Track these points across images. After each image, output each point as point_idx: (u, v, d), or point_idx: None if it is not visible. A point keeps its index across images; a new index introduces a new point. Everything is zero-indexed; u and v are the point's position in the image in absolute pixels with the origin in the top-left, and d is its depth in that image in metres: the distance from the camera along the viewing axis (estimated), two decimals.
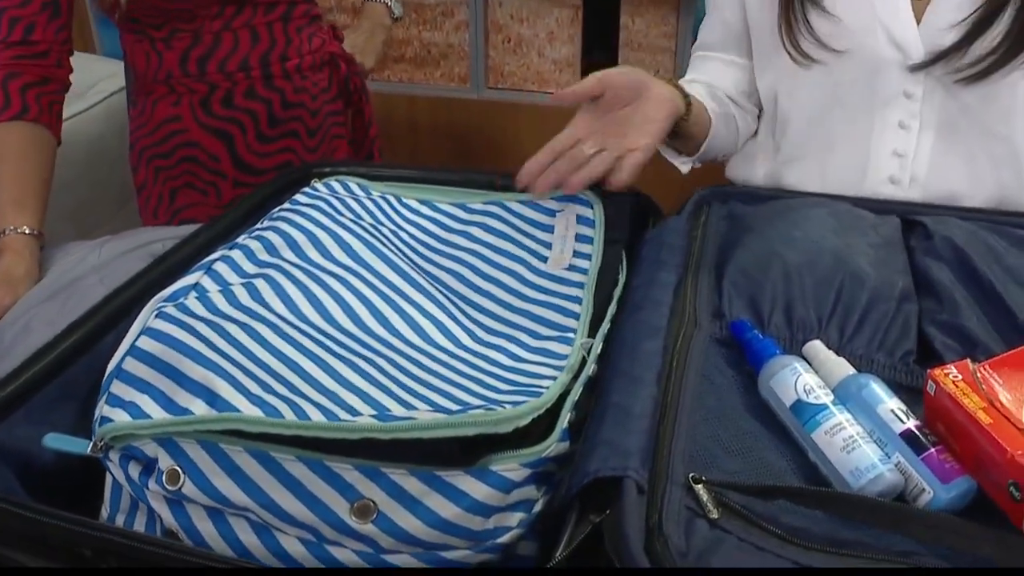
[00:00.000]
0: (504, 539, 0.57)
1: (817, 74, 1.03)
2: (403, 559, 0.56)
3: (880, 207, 0.87)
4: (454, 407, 0.62)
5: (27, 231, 1.05)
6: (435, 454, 0.55)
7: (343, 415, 0.60)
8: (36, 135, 1.11)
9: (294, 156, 1.32)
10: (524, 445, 0.57)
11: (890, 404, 0.61)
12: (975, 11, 0.94)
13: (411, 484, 0.55)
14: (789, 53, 1.02)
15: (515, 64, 2.25)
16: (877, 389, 0.62)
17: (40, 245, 1.06)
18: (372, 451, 0.55)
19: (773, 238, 0.76)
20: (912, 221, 0.84)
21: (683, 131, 1.00)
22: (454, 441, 0.54)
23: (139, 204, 1.34)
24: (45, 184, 1.10)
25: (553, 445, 0.57)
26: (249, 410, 0.60)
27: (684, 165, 1.10)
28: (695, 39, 1.19)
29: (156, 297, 0.72)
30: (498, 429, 0.55)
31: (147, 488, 0.60)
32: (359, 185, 0.93)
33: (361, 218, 0.86)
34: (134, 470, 0.61)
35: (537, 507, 0.59)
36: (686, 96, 0.98)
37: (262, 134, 1.28)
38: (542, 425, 0.59)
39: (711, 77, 1.13)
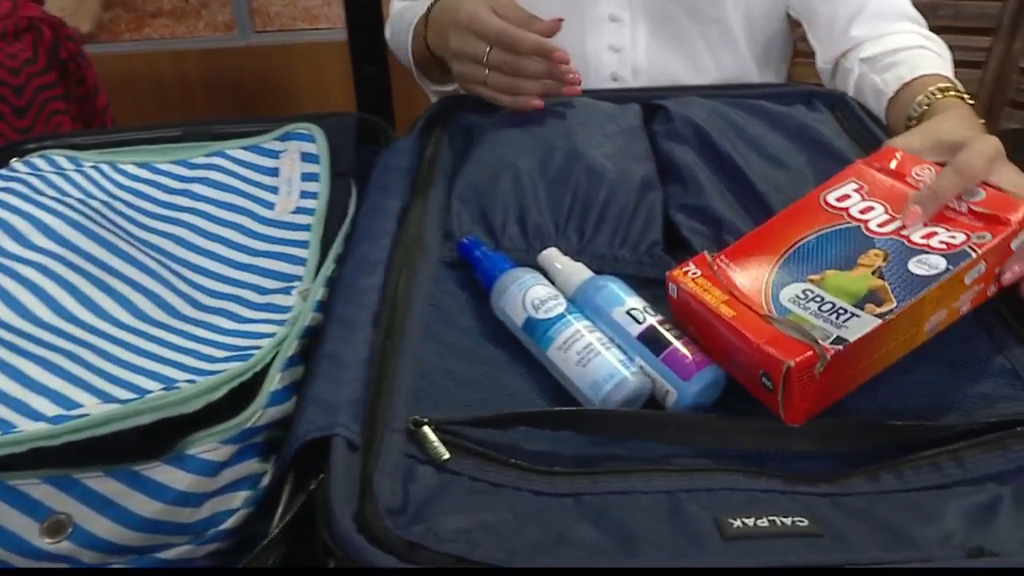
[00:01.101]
0: (229, 524, 0.51)
1: None
2: None
3: (622, 95, 0.83)
4: (158, 388, 0.55)
5: None
6: (128, 449, 0.49)
7: (25, 424, 0.52)
8: None
9: (1, 140, 1.18)
10: (230, 417, 0.51)
11: (628, 305, 0.58)
12: None
13: (109, 487, 0.48)
14: None
15: (281, 4, 2.13)
16: (616, 290, 0.59)
17: None
18: (57, 459, 0.48)
19: (504, 144, 0.71)
20: (654, 106, 0.81)
21: None
22: (132, 432, 0.47)
23: None
24: None
25: (259, 413, 0.51)
26: None
27: (440, 88, 1.03)
28: None
29: None
30: (183, 410, 0.48)
31: None
32: (68, 158, 0.83)
33: (67, 194, 0.77)
34: None
35: (265, 480, 0.53)
36: None
37: None
38: (255, 389, 0.53)
39: None
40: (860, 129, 0.80)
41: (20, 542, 0.48)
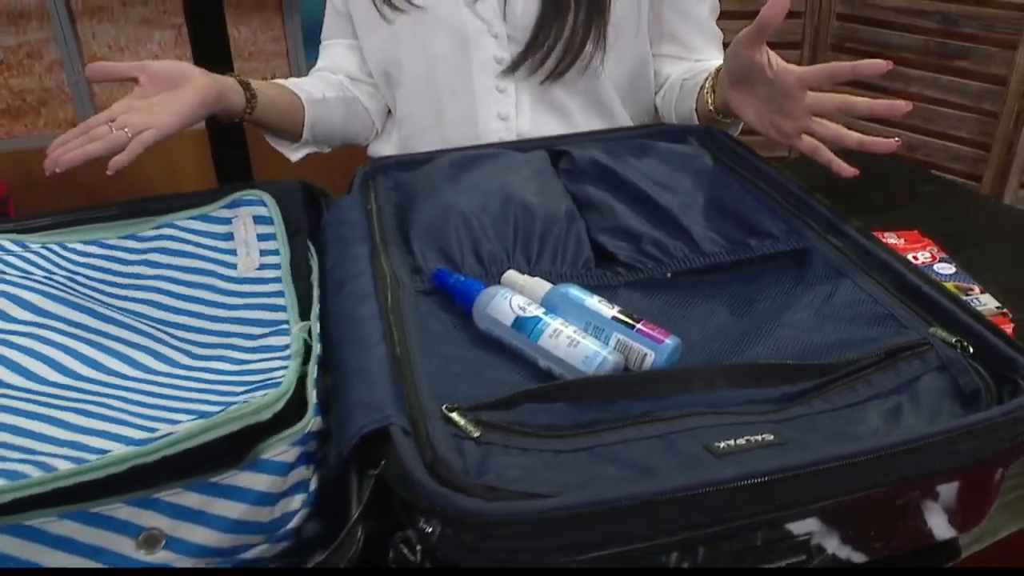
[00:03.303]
0: (293, 524, 0.58)
1: (409, 37, 1.10)
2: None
3: (526, 145, 0.97)
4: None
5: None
6: (205, 461, 0.56)
7: (93, 458, 0.58)
8: None
9: None
10: (284, 428, 0.58)
11: (594, 299, 0.71)
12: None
13: (190, 499, 0.55)
14: (376, 5, 1.10)
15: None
16: (578, 291, 0.71)
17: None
18: (135, 482, 0.54)
19: (444, 192, 0.83)
20: (558, 151, 0.95)
21: (256, 120, 1.07)
22: (223, 440, 0.55)
23: None
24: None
25: (312, 420, 0.59)
26: None
27: (294, 152, 1.15)
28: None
29: None
30: (259, 417, 0.56)
31: None
32: (13, 241, 0.87)
33: (30, 273, 0.82)
34: None
35: (312, 485, 0.61)
36: (248, 88, 1.03)
37: None
38: (296, 405, 0.61)
39: (333, 63, 1.18)
40: (729, 153, 0.97)
41: (120, 558, 0.54)
